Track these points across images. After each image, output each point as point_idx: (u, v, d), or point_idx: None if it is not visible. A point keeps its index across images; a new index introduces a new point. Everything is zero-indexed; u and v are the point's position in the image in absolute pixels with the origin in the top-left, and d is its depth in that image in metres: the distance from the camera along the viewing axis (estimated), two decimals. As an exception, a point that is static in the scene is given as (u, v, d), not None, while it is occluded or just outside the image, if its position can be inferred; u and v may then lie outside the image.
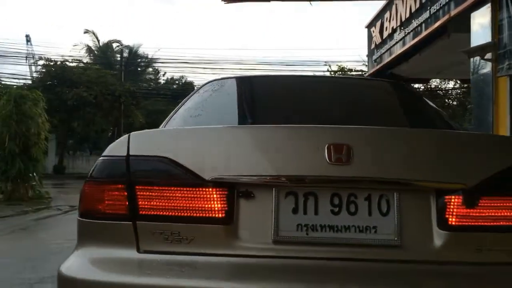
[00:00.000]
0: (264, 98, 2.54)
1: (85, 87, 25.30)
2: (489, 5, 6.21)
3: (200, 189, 1.48)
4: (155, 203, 1.49)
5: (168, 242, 1.47)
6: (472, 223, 1.46)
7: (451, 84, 24.12)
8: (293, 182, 1.48)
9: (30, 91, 12.59)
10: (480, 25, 6.48)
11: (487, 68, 6.40)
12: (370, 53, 12.43)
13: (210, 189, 1.47)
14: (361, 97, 2.51)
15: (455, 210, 1.46)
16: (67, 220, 8.66)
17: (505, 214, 1.47)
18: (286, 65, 34.27)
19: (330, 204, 1.49)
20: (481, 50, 6.22)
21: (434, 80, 21.46)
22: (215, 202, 1.47)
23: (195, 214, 1.48)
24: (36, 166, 12.16)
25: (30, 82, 27.75)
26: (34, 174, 12.15)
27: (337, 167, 1.45)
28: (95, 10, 77.95)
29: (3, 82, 27.37)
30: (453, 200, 1.46)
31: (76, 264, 1.54)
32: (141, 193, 1.49)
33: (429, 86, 26.29)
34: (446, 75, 13.30)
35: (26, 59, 32.62)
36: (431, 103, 2.65)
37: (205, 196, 1.48)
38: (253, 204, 1.49)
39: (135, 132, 1.63)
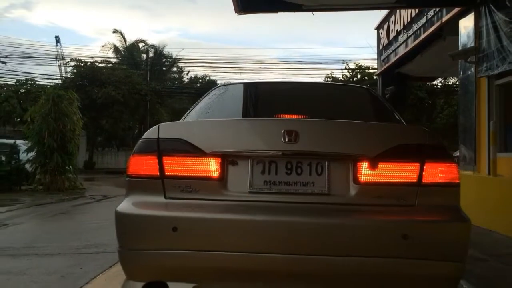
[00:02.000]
0: (252, 99, 3.47)
1: (113, 87, 26.35)
2: (473, 13, 6.91)
3: (203, 158, 2.37)
4: (175, 167, 2.39)
5: (183, 192, 2.36)
6: (373, 180, 2.31)
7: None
8: (262, 154, 2.36)
9: (66, 91, 13.73)
10: (466, 30, 7.19)
11: (471, 69, 7.10)
12: (379, 53, 13.13)
13: (209, 159, 2.36)
14: (325, 98, 3.39)
15: (363, 172, 2.31)
16: (101, 207, 9.73)
17: (393, 174, 2.31)
18: (305, 63, 34.78)
19: (285, 168, 2.36)
20: (464, 53, 6.93)
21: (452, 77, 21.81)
22: (213, 166, 2.36)
23: (200, 174, 2.37)
24: (72, 160, 13.32)
25: (60, 82, 29.07)
26: (70, 167, 13.32)
27: (289, 145, 2.32)
28: (118, 10, 79.77)
29: (37, 83, 29.00)
30: (362, 166, 2.31)
31: (125, 205, 2.43)
32: (167, 161, 2.39)
33: (446, 83, 26.60)
34: (450, 73, 13.89)
35: (56, 60, 33.98)
36: (386, 104, 3.47)
37: (206, 163, 2.37)
38: (236, 168, 2.37)
39: (162, 123, 2.54)
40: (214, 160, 2.36)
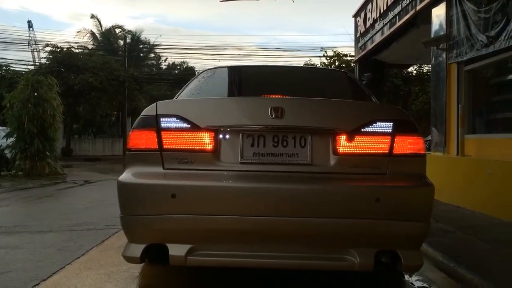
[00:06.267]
0: (240, 80, 3.75)
1: (90, 73, 26.05)
2: (444, 2, 7.26)
3: (198, 132, 2.62)
4: (172, 141, 2.63)
5: (180, 163, 2.61)
6: (350, 151, 2.61)
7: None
8: (251, 129, 2.62)
9: (45, 77, 13.67)
10: (438, 19, 7.55)
11: (442, 56, 7.48)
12: (356, 41, 13.48)
13: (204, 133, 2.61)
14: (307, 80, 3.69)
15: (341, 144, 2.61)
16: (84, 190, 9.85)
17: (368, 146, 2.61)
18: (284, 50, 34.96)
19: (272, 141, 2.63)
20: (436, 41, 7.30)
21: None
22: (207, 140, 2.61)
23: (195, 147, 2.62)
24: (52, 145, 13.32)
25: (36, 67, 28.58)
26: (50, 152, 13.32)
27: (276, 120, 2.58)
28: (96, -5, 77.96)
29: (11, 68, 28.46)
30: (340, 139, 2.61)
31: (126, 176, 2.67)
32: (165, 135, 2.63)
33: (421, 70, 27.24)
34: (423, 61, 14.36)
35: (28, 45, 33.29)
36: (362, 86, 3.77)
37: (201, 136, 2.62)
38: (228, 141, 2.63)
39: (160, 101, 2.78)
40: (208, 134, 2.62)
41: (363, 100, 3.37)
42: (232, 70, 3.94)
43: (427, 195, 2.60)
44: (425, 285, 3.27)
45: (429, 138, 10.10)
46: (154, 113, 2.67)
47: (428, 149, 10.74)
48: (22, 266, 3.53)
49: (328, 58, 28.66)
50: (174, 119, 2.64)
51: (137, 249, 2.58)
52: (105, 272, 3.34)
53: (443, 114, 7.53)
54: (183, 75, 34.93)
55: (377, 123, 2.62)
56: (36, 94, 12.77)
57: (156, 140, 2.63)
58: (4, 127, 14.08)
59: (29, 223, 5.45)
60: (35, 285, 3.05)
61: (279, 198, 2.48)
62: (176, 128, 2.63)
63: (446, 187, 6.78)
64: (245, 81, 3.79)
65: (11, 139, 12.99)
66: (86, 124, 33.13)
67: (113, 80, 27.43)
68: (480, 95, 7.18)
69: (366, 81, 12.22)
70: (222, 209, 2.48)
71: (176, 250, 2.52)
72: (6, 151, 13.21)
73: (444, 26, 7.29)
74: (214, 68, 4.01)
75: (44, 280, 3.17)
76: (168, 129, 2.64)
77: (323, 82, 3.72)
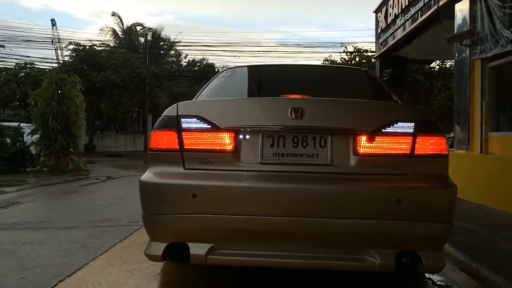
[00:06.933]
0: (259, 80, 3.76)
1: (112, 70, 26.45)
2: (468, -3, 7.13)
3: (218, 133, 2.64)
4: (193, 141, 2.66)
5: (201, 163, 2.64)
6: (371, 152, 2.60)
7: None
8: (271, 129, 2.63)
9: (68, 75, 13.92)
10: (461, 14, 7.42)
11: (465, 52, 7.35)
12: (377, 37, 13.33)
13: (224, 133, 2.63)
14: (327, 79, 3.67)
15: (362, 144, 2.59)
16: (107, 186, 10.02)
17: (389, 146, 2.59)
18: (303, 46, 34.84)
19: (292, 142, 2.63)
20: (459, 36, 7.17)
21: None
22: (227, 140, 2.63)
23: (216, 148, 2.64)
24: (76, 142, 13.59)
25: (59, 65, 29.09)
26: (74, 149, 13.58)
27: (295, 121, 2.59)
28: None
29: (36, 66, 29.04)
30: (361, 139, 2.59)
31: (148, 175, 2.71)
32: (185, 136, 2.66)
33: (444, 65, 26.78)
34: (446, 56, 14.12)
35: (52, 43, 33.89)
36: (383, 85, 3.73)
37: (221, 137, 2.64)
38: (248, 142, 2.64)
39: (181, 102, 2.81)
40: (228, 135, 2.64)
41: (384, 99, 3.35)
42: (252, 69, 3.95)
43: (450, 196, 2.57)
44: (447, 284, 3.24)
45: (451, 135, 9.95)
46: (175, 114, 2.70)
47: (451, 146, 10.59)
48: (47, 262, 3.62)
49: (348, 54, 28.44)
50: (195, 119, 2.66)
51: (159, 248, 2.63)
52: (128, 269, 3.40)
53: (466, 111, 7.41)
54: (203, 71, 35.13)
55: (399, 123, 2.60)
56: (59, 92, 13.01)
57: (177, 140, 2.66)
58: (29, 124, 14.40)
59: (54, 219, 5.58)
60: (60, 281, 3.13)
61: (299, 198, 2.49)
62: (196, 128, 2.66)
63: (469, 185, 6.67)
64: (264, 80, 3.80)
65: (35, 136, 13.27)
66: (108, 121, 33.61)
67: (134, 78, 27.77)
68: (504, 92, 7.04)
69: (387, 78, 12.10)
70: (242, 209, 2.50)
71: (197, 249, 2.56)
72: (31, 148, 13.51)
73: (468, 22, 7.15)
74: (234, 67, 4.04)
75: (69, 276, 3.25)
76: (189, 130, 2.66)
77: (343, 81, 3.70)
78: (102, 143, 31.15)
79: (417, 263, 2.57)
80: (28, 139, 13.59)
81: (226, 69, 3.88)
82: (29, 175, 12.31)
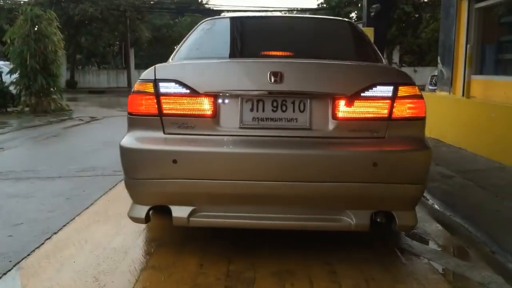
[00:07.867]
0: (240, 35, 3.66)
1: (90, 2, 25.40)
2: None
3: (197, 98, 2.61)
4: (172, 106, 2.63)
5: (181, 128, 2.63)
6: (349, 116, 2.61)
7: None
8: (250, 94, 2.61)
9: (44, 11, 13.31)
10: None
11: (453, -8, 7.18)
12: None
13: (203, 98, 2.61)
14: (309, 34, 3.59)
15: (340, 109, 2.60)
16: (91, 129, 9.97)
17: (367, 110, 2.60)
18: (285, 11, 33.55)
19: (271, 106, 2.62)
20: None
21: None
22: (206, 105, 2.61)
23: (195, 113, 2.63)
24: (56, 81, 13.27)
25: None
26: (55, 88, 13.31)
27: (275, 85, 2.56)
28: None
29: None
30: (339, 103, 2.59)
31: (128, 140, 2.70)
32: (164, 101, 2.63)
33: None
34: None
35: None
36: (366, 38, 3.65)
37: (200, 102, 2.62)
38: (227, 106, 2.63)
39: (158, 65, 2.75)
40: (207, 99, 2.61)
41: (366, 57, 3.30)
42: (232, 22, 3.83)
43: (425, 158, 2.64)
44: (420, 236, 3.39)
45: (435, 73, 9.95)
46: (153, 78, 2.65)
47: (435, 84, 10.59)
48: (33, 217, 3.68)
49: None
50: (173, 84, 2.62)
51: (142, 210, 2.69)
52: (113, 224, 3.49)
53: (451, 52, 7.36)
54: (185, 2, 33.80)
55: (377, 86, 2.60)
56: (36, 29, 12.51)
57: (156, 106, 2.63)
58: (7, 62, 13.96)
59: (38, 168, 5.59)
60: (47, 239, 3.20)
61: (278, 162, 2.53)
62: (175, 93, 2.63)
63: (449, 128, 6.80)
64: (244, 36, 3.68)
65: (15, 75, 12.93)
66: (89, 55, 32.70)
67: (113, 10, 26.68)
68: (490, 34, 6.96)
69: (374, 13, 11.79)
70: (222, 173, 2.55)
71: (179, 212, 2.63)
72: (11, 88, 13.20)
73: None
74: (214, 19, 3.89)
75: (55, 233, 3.31)
76: (167, 95, 2.63)
77: (326, 37, 3.61)
78: (84, 79, 30.46)
79: (391, 222, 2.69)
80: (6, 78, 13.23)
81: (205, 21, 3.74)
82: (11, 116, 12.15)
